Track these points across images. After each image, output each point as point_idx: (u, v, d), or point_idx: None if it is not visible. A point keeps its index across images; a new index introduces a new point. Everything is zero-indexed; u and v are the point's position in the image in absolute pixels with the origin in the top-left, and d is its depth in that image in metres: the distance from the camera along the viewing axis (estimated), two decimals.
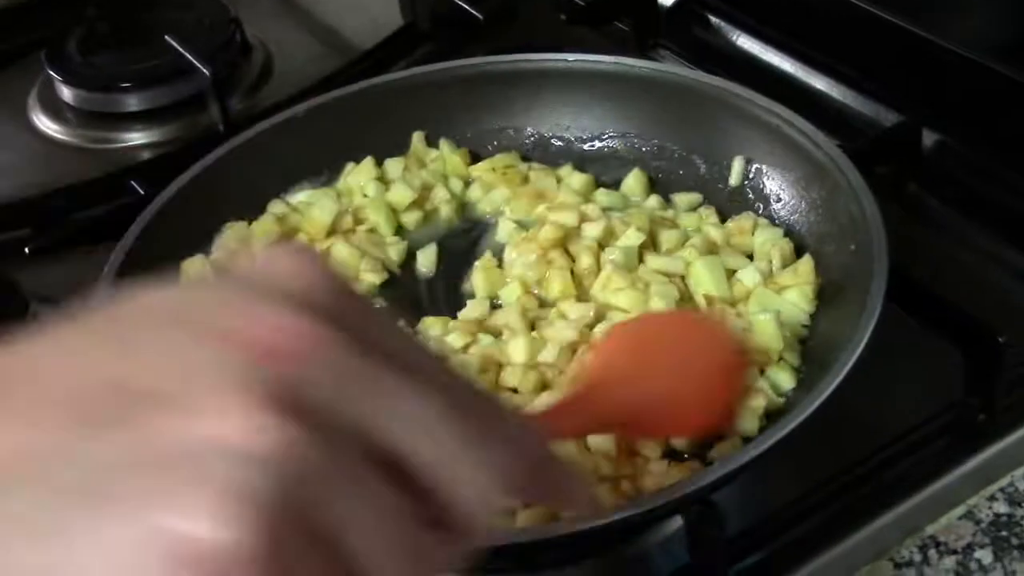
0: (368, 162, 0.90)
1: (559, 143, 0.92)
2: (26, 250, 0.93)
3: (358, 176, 0.90)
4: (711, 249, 0.80)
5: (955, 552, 0.69)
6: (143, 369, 0.34)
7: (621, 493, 0.67)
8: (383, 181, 0.89)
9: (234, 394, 0.33)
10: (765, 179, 0.84)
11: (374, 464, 0.35)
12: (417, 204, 0.88)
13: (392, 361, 0.36)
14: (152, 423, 0.32)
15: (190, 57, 1.07)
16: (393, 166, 0.90)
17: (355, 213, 0.87)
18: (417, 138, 0.92)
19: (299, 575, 0.33)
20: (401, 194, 0.88)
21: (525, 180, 0.89)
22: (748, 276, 0.78)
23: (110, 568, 0.31)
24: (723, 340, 0.66)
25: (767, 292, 0.76)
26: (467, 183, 0.91)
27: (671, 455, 0.69)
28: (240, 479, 0.31)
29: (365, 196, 0.89)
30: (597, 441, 0.68)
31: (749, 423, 0.70)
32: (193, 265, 0.82)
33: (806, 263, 0.77)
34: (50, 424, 0.33)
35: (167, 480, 0.32)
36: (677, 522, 0.68)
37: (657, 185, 0.89)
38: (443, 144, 0.92)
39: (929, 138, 0.91)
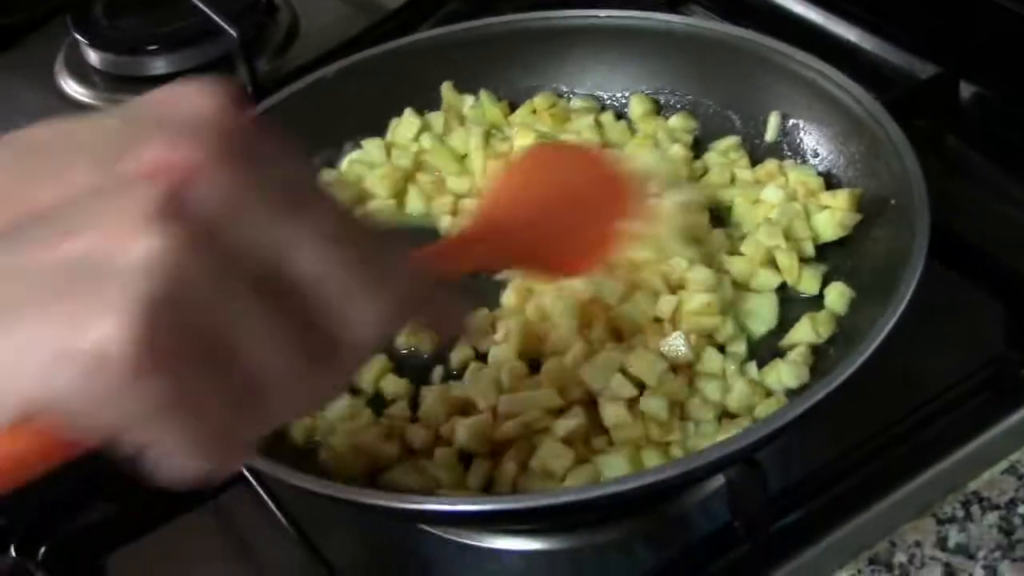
0: (410, 114, 0.90)
1: (592, 101, 0.91)
2: None
3: (405, 130, 0.89)
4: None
5: (998, 507, 0.68)
6: (52, 188, 0.38)
7: (670, 457, 0.67)
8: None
9: (124, 210, 0.37)
10: (802, 134, 0.83)
11: (264, 281, 0.39)
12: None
13: (289, 195, 0.40)
14: (49, 242, 0.37)
15: (217, 19, 1.06)
16: (436, 120, 0.90)
17: (416, 164, 0.88)
18: (446, 88, 0.91)
19: (183, 368, 0.37)
20: (461, 138, 0.88)
21: (567, 118, 0.89)
22: (771, 194, 0.79)
23: (16, 355, 0.36)
24: (612, 171, 0.67)
25: (792, 206, 0.77)
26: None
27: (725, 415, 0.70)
28: (131, 282, 0.36)
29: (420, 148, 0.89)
30: (650, 405, 0.68)
31: (790, 376, 0.70)
32: None
33: (845, 193, 0.77)
34: None
35: (63, 288, 0.36)
36: (717, 481, 0.68)
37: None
38: (483, 95, 0.91)
39: (967, 90, 0.90)
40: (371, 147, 0.89)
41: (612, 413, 0.68)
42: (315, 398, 0.43)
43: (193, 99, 0.41)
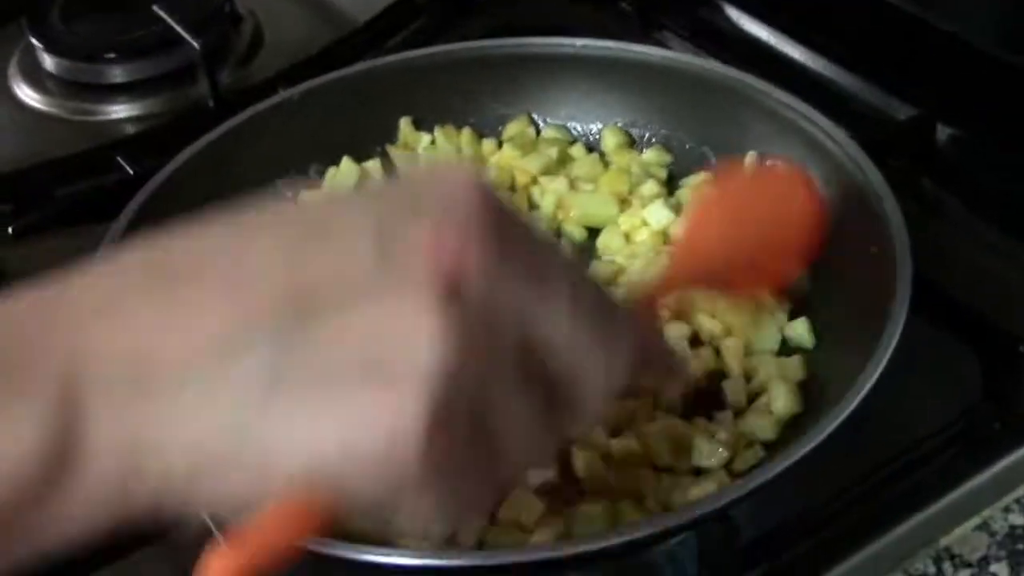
0: (347, 162, 0.88)
1: (563, 131, 0.91)
2: (9, 230, 0.91)
3: (343, 179, 0.88)
4: None
5: (970, 565, 0.68)
6: (326, 266, 0.41)
7: (645, 508, 0.67)
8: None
9: (407, 301, 0.39)
10: None
11: (520, 354, 0.42)
12: None
13: (540, 265, 0.43)
14: (340, 323, 0.40)
15: (178, 28, 1.04)
16: (374, 167, 0.88)
17: None
18: (405, 123, 0.90)
19: (457, 445, 0.40)
20: None
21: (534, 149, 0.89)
22: None
23: (298, 432, 0.39)
24: (801, 188, 0.69)
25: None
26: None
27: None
28: (425, 368, 0.39)
29: None
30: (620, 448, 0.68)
31: (765, 431, 0.70)
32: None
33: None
34: (255, 309, 0.40)
35: (354, 374, 0.39)
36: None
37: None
38: (438, 133, 0.90)
39: (943, 132, 0.90)
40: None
41: (584, 464, 0.67)
42: (548, 458, 0.47)
43: (457, 181, 0.43)
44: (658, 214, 0.82)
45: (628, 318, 0.49)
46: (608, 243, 0.83)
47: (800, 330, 0.75)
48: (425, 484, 0.40)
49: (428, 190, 0.43)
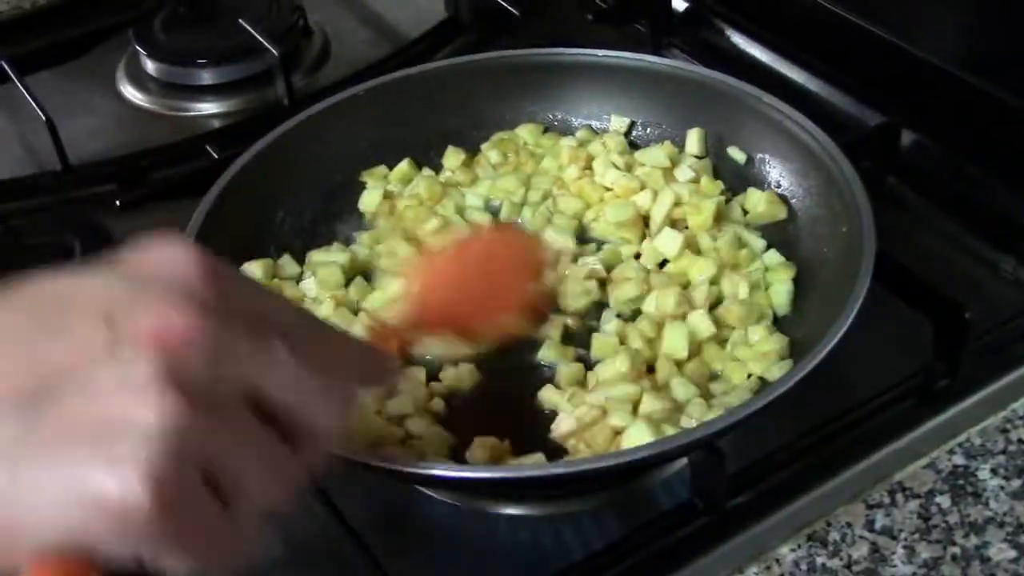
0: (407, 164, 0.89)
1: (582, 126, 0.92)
2: (117, 203, 0.92)
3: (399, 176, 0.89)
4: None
5: (918, 496, 0.69)
6: (61, 354, 0.40)
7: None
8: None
9: (132, 380, 0.39)
10: (767, 167, 0.84)
11: (245, 409, 0.41)
12: None
13: (256, 323, 0.43)
14: (74, 403, 0.39)
15: (260, 38, 1.06)
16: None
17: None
18: (407, 163, 0.89)
19: (191, 512, 0.40)
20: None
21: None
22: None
23: (41, 499, 0.38)
24: (523, 246, 0.71)
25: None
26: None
27: None
28: (143, 446, 0.38)
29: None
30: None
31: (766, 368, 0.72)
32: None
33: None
34: (3, 390, 0.40)
35: (86, 448, 0.38)
36: (680, 462, 0.69)
37: None
38: (423, 177, 0.89)
39: (907, 137, 0.90)
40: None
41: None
42: (290, 488, 0.44)
43: (177, 259, 0.43)
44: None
45: (340, 344, 0.49)
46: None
47: (780, 299, 0.77)
48: (164, 534, 0.39)
49: (155, 269, 0.43)
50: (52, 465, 0.38)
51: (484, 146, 0.90)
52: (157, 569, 0.40)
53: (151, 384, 0.39)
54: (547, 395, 0.72)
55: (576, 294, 0.78)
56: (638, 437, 0.65)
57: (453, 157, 0.89)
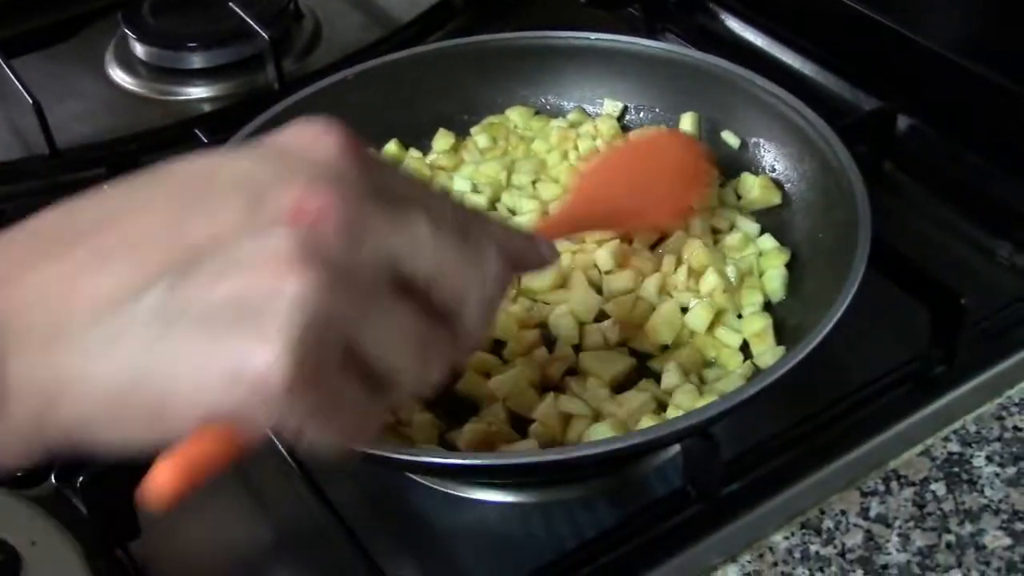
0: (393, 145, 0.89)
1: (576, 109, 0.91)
2: (105, 187, 0.91)
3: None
4: None
5: (913, 484, 0.69)
6: (207, 227, 0.40)
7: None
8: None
9: (272, 255, 0.39)
10: (762, 151, 0.83)
11: (391, 287, 0.41)
12: None
13: (398, 200, 0.42)
14: (218, 275, 0.39)
15: (250, 21, 1.05)
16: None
17: None
18: (393, 144, 0.89)
19: (332, 387, 0.40)
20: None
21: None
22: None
23: (187, 370, 0.39)
24: (687, 148, 0.73)
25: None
26: None
27: None
28: (285, 319, 0.38)
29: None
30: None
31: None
32: None
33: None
34: (149, 264, 0.40)
35: (229, 320, 0.38)
36: (673, 449, 0.68)
37: None
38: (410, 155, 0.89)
39: (903, 122, 0.90)
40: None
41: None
42: (442, 371, 0.43)
43: (320, 139, 0.43)
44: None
45: (492, 226, 0.47)
46: None
47: (774, 284, 0.76)
48: (305, 407, 0.39)
49: (299, 150, 0.43)
50: (197, 336, 0.39)
51: (474, 130, 0.89)
52: (299, 443, 0.40)
53: (293, 257, 0.39)
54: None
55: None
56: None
57: (442, 140, 0.89)
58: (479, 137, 0.88)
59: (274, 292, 0.38)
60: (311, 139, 0.43)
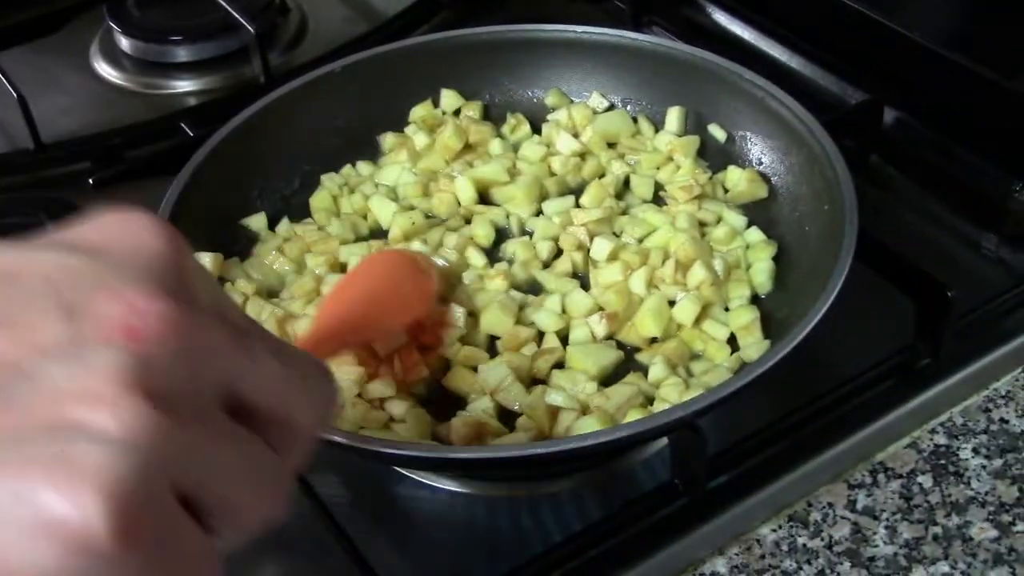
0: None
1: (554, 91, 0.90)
2: (90, 181, 0.91)
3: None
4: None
5: (900, 476, 0.69)
6: (11, 342, 0.33)
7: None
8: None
9: (95, 380, 0.32)
10: (749, 144, 0.83)
11: (224, 412, 0.35)
12: None
13: (223, 321, 0.36)
14: (22, 407, 0.32)
15: (236, 15, 1.04)
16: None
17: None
18: (363, 165, 0.88)
19: (164, 539, 0.33)
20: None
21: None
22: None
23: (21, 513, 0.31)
24: (417, 268, 0.73)
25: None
26: None
27: None
28: (103, 465, 0.31)
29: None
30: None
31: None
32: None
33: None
34: None
35: (36, 463, 0.31)
36: (660, 443, 0.68)
37: None
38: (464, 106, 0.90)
39: (890, 115, 0.90)
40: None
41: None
42: (283, 497, 0.38)
43: (142, 237, 0.36)
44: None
45: (309, 360, 0.41)
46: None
47: (762, 277, 0.76)
48: (133, 567, 0.32)
49: (110, 245, 0.35)
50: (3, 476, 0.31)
51: (408, 129, 0.89)
52: None
53: (114, 386, 0.32)
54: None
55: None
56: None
57: (391, 139, 0.88)
58: (416, 136, 0.88)
59: (90, 428, 0.32)
60: (130, 236, 0.36)
